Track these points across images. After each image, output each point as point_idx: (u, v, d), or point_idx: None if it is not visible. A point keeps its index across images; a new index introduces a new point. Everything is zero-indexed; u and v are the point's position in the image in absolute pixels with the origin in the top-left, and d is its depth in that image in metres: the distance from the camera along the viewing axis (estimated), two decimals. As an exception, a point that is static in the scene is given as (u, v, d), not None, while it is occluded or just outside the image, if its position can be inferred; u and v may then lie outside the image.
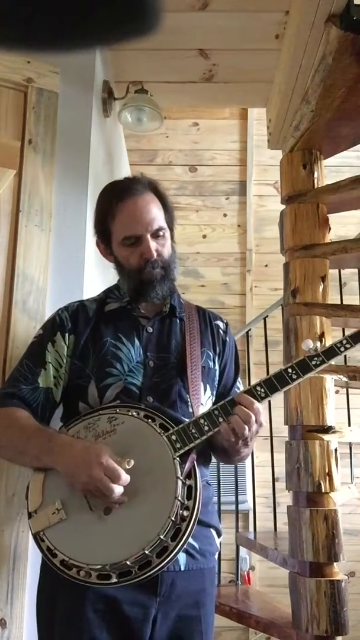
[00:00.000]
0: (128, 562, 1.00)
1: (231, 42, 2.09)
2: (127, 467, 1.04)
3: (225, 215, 3.95)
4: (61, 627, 1.11)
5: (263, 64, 2.19)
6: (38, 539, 1.09)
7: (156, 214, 1.29)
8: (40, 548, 1.09)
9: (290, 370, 1.15)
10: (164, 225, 1.31)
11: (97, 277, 1.83)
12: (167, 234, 1.32)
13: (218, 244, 3.92)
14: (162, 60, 2.19)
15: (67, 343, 1.27)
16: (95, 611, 1.09)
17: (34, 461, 1.15)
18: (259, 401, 1.12)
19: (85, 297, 1.61)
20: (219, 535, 1.28)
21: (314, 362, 1.16)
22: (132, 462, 1.04)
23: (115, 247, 1.32)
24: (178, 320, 1.35)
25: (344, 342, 1.17)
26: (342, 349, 1.16)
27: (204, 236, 3.92)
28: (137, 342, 1.28)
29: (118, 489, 1.02)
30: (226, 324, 1.43)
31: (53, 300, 1.59)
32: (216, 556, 1.26)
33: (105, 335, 1.27)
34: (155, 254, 1.27)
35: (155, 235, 1.29)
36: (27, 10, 0.42)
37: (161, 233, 1.29)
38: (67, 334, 1.27)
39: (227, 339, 1.40)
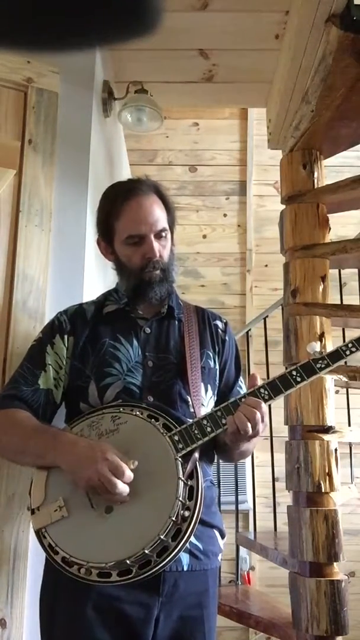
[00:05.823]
0: (128, 561, 1.00)
1: (231, 42, 2.09)
2: (132, 467, 1.04)
3: (225, 215, 3.95)
4: (63, 626, 1.11)
5: (263, 64, 2.19)
6: (40, 535, 1.10)
7: (160, 215, 1.30)
8: (42, 545, 1.10)
9: (294, 372, 1.15)
10: (167, 226, 1.33)
11: (97, 276, 1.83)
12: (169, 235, 1.34)
13: (218, 244, 3.92)
14: (162, 60, 2.19)
15: (66, 345, 1.28)
16: (96, 610, 1.09)
17: (37, 460, 1.15)
18: None
19: (85, 297, 1.61)
20: (222, 536, 1.27)
21: (318, 366, 1.15)
22: (137, 462, 1.05)
23: (118, 246, 1.32)
24: (176, 322, 1.35)
25: (350, 345, 1.16)
26: (347, 352, 1.15)
27: (204, 236, 3.92)
28: (135, 342, 1.28)
29: (121, 485, 1.02)
30: (225, 324, 1.42)
31: (53, 300, 1.59)
32: (220, 557, 1.26)
33: (103, 336, 1.28)
34: (157, 254, 1.29)
35: (158, 236, 1.30)
36: (27, 10, 0.42)
37: (164, 234, 1.31)
38: (66, 336, 1.29)
39: (227, 338, 1.40)
